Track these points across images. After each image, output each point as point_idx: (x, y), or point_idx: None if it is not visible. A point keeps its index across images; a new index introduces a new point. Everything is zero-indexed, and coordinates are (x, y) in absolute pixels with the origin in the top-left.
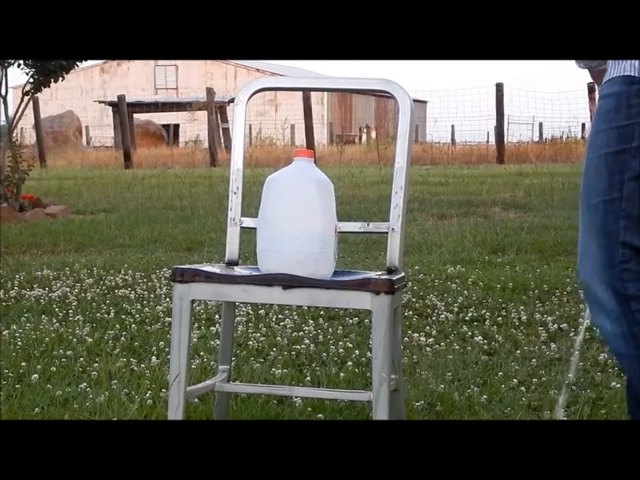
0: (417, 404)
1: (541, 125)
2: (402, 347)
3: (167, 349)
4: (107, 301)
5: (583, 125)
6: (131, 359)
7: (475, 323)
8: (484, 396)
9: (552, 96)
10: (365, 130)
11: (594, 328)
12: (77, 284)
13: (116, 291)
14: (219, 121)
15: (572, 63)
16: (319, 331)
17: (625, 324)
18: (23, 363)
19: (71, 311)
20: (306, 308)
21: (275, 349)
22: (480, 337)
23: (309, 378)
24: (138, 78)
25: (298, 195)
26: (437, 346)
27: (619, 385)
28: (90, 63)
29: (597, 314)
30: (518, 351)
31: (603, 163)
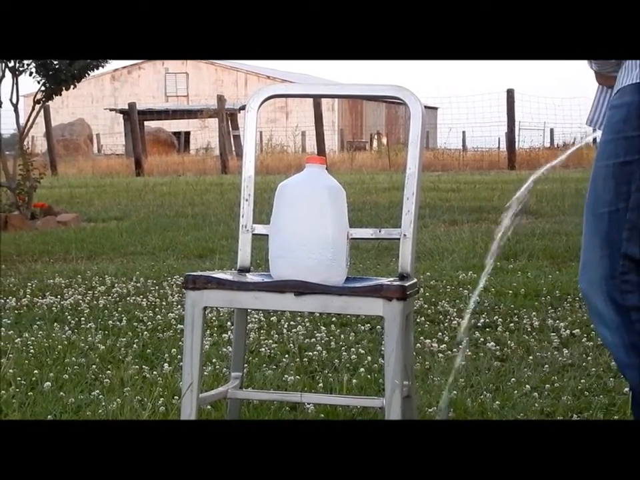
0: (429, 410)
1: (552, 130)
2: (414, 353)
3: (179, 356)
4: (119, 309)
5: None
6: (143, 366)
7: (487, 329)
8: (496, 402)
9: (563, 102)
10: (375, 136)
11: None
12: (89, 292)
13: (128, 298)
14: (230, 128)
15: (583, 68)
16: (331, 337)
17: (625, 334)
18: (36, 371)
19: (83, 319)
20: (318, 314)
21: (287, 356)
22: (492, 343)
23: (321, 384)
24: (148, 85)
25: (310, 201)
26: (450, 352)
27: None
28: (101, 70)
29: (597, 324)
30: (530, 357)
31: (611, 173)
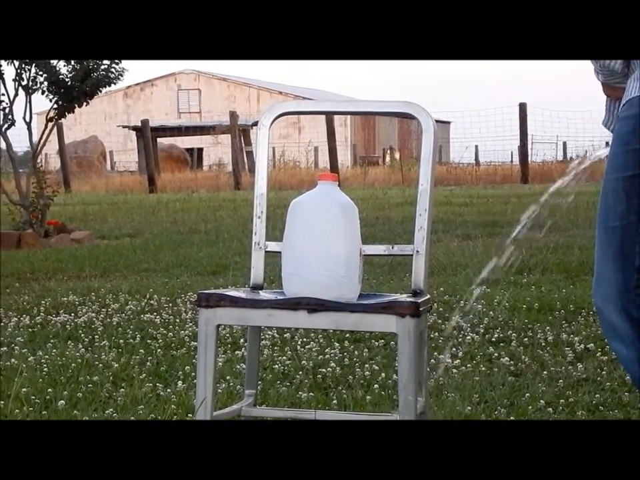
0: None
1: (564, 144)
2: (428, 369)
3: (192, 374)
4: (133, 326)
5: (607, 143)
6: (157, 384)
7: (501, 344)
8: (511, 417)
9: (575, 115)
10: (388, 151)
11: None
12: (103, 309)
13: (141, 315)
14: (243, 144)
15: (594, 80)
16: (345, 353)
17: None
18: (49, 389)
19: (96, 337)
20: (331, 331)
21: (300, 373)
22: (506, 358)
23: (335, 401)
24: (161, 102)
25: (322, 218)
26: (463, 367)
27: None
28: (113, 88)
29: (611, 338)
30: (545, 372)
31: (621, 186)
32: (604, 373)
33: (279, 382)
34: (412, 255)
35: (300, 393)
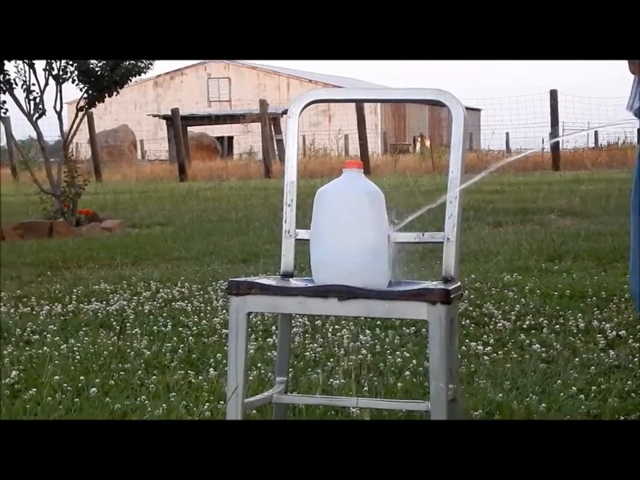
0: (475, 413)
1: (596, 131)
2: (459, 356)
3: (224, 361)
4: (164, 314)
5: (639, 130)
6: (189, 371)
7: (533, 331)
8: (543, 404)
9: (607, 102)
10: (419, 139)
11: None
12: (134, 297)
13: (173, 303)
14: (273, 133)
15: (626, 68)
16: (376, 340)
17: None
18: (82, 377)
19: (128, 324)
20: (362, 318)
21: (332, 360)
22: (538, 345)
23: (366, 388)
24: (191, 91)
25: (347, 206)
26: (495, 355)
27: None
28: (143, 76)
29: None
30: (576, 359)
31: None
32: (636, 359)
33: (310, 369)
34: (442, 243)
35: (331, 380)
